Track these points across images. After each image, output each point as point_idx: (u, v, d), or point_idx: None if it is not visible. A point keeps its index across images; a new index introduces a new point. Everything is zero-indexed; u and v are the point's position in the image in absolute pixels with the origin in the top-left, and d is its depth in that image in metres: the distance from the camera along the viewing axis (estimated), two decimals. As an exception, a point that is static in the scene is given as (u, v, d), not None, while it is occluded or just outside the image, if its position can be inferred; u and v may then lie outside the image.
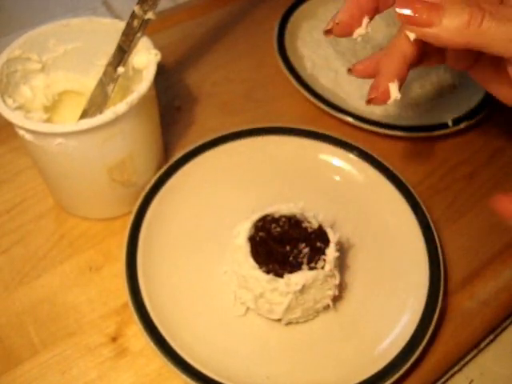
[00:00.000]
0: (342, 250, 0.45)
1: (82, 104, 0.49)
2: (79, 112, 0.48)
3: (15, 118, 0.39)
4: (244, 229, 0.41)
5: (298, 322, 0.42)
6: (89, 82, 0.49)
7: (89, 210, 0.48)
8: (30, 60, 0.45)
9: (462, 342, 0.43)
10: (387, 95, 0.34)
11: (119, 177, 0.44)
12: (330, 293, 0.41)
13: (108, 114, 0.39)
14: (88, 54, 0.48)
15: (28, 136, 0.40)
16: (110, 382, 0.40)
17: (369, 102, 0.35)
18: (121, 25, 0.45)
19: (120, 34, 0.44)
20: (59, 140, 0.39)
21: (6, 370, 0.40)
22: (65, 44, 0.46)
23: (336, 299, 0.42)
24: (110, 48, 0.46)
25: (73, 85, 0.49)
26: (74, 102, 0.50)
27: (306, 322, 0.42)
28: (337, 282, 0.41)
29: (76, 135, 0.39)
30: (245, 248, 0.40)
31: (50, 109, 0.48)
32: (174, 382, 0.40)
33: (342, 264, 0.44)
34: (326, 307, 0.42)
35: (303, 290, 0.38)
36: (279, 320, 0.41)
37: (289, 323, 0.41)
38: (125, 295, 0.41)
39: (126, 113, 0.40)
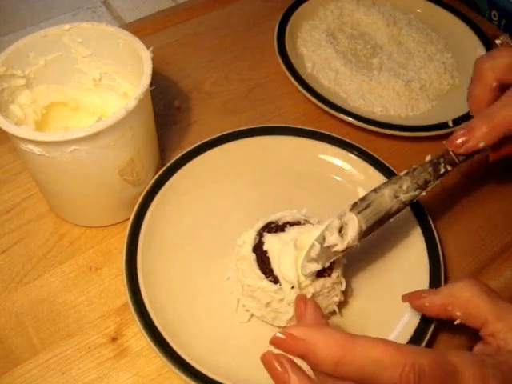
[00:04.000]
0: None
1: (67, 115, 0.50)
2: (68, 123, 0.48)
3: (25, 133, 0.38)
4: (249, 238, 0.41)
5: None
6: (71, 92, 0.50)
7: (96, 219, 0.48)
8: (14, 76, 0.44)
9: (463, 343, 0.43)
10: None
11: (130, 176, 0.44)
12: (336, 299, 0.41)
13: (120, 112, 0.39)
14: (67, 62, 0.48)
15: (38, 150, 0.39)
16: (109, 382, 0.40)
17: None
18: (98, 28, 0.45)
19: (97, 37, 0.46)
20: (73, 147, 0.39)
21: (6, 370, 0.40)
22: (44, 55, 0.46)
23: (341, 305, 0.42)
24: (88, 51, 0.47)
25: (56, 96, 0.49)
26: (60, 114, 0.50)
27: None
28: (343, 288, 0.40)
29: (91, 139, 0.39)
30: (250, 258, 0.40)
31: (39, 123, 0.48)
32: (174, 382, 0.40)
33: (345, 269, 0.44)
34: (332, 313, 0.42)
35: (311, 298, 0.38)
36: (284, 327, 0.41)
37: None
38: (125, 295, 0.41)
39: (135, 108, 0.40)
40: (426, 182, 0.41)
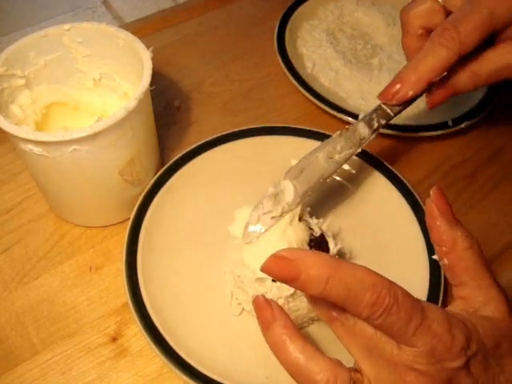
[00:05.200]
0: (343, 255, 0.45)
1: (67, 115, 0.50)
2: (68, 123, 0.48)
3: (25, 133, 0.38)
4: (241, 229, 0.41)
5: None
6: (71, 92, 0.49)
7: (96, 219, 0.48)
8: (14, 76, 0.44)
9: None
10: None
11: (130, 176, 0.44)
12: None
13: (120, 112, 0.39)
14: (67, 62, 0.48)
15: (38, 150, 0.39)
16: (109, 382, 0.40)
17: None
18: (98, 28, 0.45)
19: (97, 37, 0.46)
20: (73, 147, 0.39)
21: (6, 370, 0.40)
22: (44, 55, 0.46)
23: None
24: (88, 51, 0.47)
25: (56, 96, 0.49)
26: (59, 114, 0.50)
27: (301, 328, 0.41)
28: None
29: (91, 139, 0.39)
30: (241, 249, 0.40)
31: (39, 123, 0.48)
32: (174, 382, 0.40)
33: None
34: None
35: (295, 296, 0.38)
36: None
37: None
38: (125, 295, 0.41)
39: (135, 108, 0.40)
40: (361, 139, 0.41)
